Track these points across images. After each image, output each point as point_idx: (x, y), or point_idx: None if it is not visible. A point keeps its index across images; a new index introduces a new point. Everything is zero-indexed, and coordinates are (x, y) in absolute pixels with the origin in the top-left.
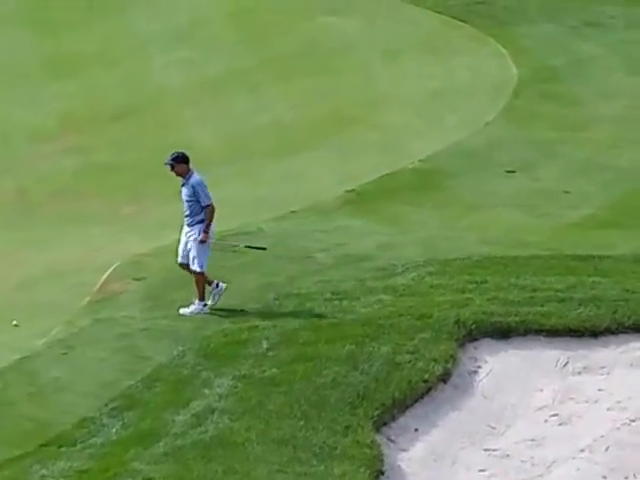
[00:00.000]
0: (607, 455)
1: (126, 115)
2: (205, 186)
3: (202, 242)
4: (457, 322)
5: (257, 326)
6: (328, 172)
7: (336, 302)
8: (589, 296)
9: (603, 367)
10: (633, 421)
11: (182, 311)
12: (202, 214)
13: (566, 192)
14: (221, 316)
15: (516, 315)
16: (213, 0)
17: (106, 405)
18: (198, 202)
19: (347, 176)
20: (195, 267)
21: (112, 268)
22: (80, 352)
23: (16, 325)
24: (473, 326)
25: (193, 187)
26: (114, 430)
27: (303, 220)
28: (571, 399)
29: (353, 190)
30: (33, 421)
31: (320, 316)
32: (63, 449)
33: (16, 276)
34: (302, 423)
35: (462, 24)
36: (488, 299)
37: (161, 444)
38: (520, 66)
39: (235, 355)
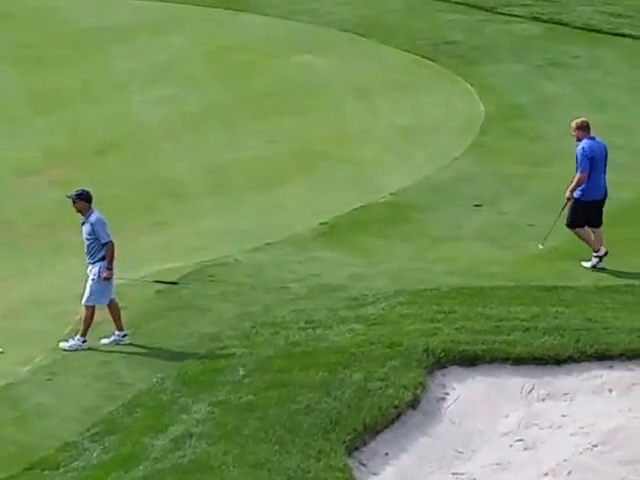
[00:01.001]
0: (570, 479)
1: (108, 150)
2: (104, 224)
3: (106, 279)
4: (426, 350)
5: (234, 353)
6: (302, 205)
7: (310, 330)
8: (553, 325)
9: (566, 394)
10: (595, 446)
11: (62, 345)
12: (102, 251)
13: (530, 225)
14: (199, 344)
15: (483, 344)
16: (191, 39)
17: (88, 430)
18: (97, 240)
19: (320, 209)
20: (84, 301)
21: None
22: (63, 379)
23: (1, 352)
24: (441, 354)
25: (92, 225)
26: (95, 454)
27: (278, 251)
28: (535, 425)
29: (326, 223)
30: (17, 445)
31: (294, 344)
32: (46, 472)
33: (1, 305)
34: (277, 447)
35: (431, 63)
36: (456, 328)
37: (141, 468)
38: (487, 104)
39: (212, 382)
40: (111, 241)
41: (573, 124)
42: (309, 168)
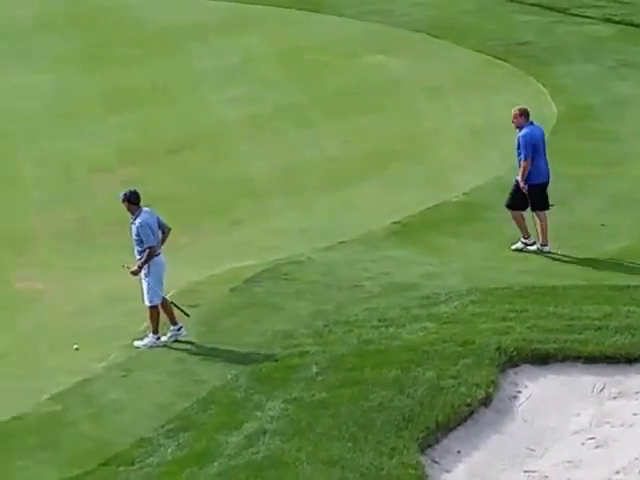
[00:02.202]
0: None
1: (181, 149)
2: (148, 228)
3: (133, 274)
4: (498, 349)
5: (307, 351)
6: (375, 204)
7: (383, 329)
8: (624, 324)
9: (638, 392)
10: None
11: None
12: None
13: (602, 225)
14: (273, 341)
15: (555, 342)
16: (265, 39)
17: (163, 426)
18: (142, 242)
19: (393, 208)
20: (145, 302)
21: (168, 296)
22: (138, 375)
23: (77, 349)
24: (514, 352)
25: (136, 227)
26: (170, 450)
27: (351, 250)
28: (607, 423)
29: (399, 222)
30: (93, 441)
31: (367, 342)
32: (121, 468)
33: (76, 302)
34: (350, 445)
35: (503, 63)
36: (528, 327)
37: (215, 464)
38: (559, 104)
39: (286, 379)
40: (150, 246)
41: (513, 112)
42: (382, 167)
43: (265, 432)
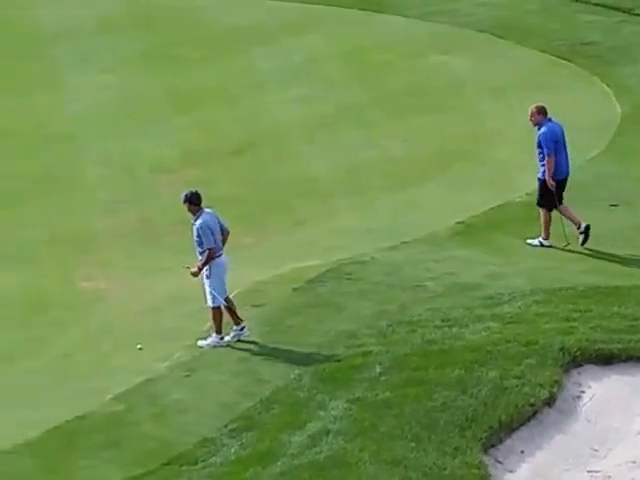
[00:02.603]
0: None
1: (245, 149)
2: (208, 229)
3: (192, 274)
4: (562, 349)
5: (370, 351)
6: (438, 205)
7: (446, 329)
8: None
9: None
10: None
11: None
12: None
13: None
14: (336, 341)
15: (618, 342)
16: (328, 40)
17: (226, 426)
18: (203, 243)
19: (457, 208)
20: (208, 303)
21: (232, 295)
22: (201, 375)
23: (140, 349)
24: (577, 353)
25: (197, 229)
26: (233, 450)
27: (414, 250)
28: None
29: (462, 222)
30: (156, 440)
31: (431, 342)
32: (184, 468)
33: (140, 302)
34: (413, 444)
35: (567, 63)
36: (591, 327)
37: (278, 464)
38: (624, 104)
39: (349, 379)
40: (210, 247)
41: (530, 109)
42: (445, 168)
43: (328, 432)
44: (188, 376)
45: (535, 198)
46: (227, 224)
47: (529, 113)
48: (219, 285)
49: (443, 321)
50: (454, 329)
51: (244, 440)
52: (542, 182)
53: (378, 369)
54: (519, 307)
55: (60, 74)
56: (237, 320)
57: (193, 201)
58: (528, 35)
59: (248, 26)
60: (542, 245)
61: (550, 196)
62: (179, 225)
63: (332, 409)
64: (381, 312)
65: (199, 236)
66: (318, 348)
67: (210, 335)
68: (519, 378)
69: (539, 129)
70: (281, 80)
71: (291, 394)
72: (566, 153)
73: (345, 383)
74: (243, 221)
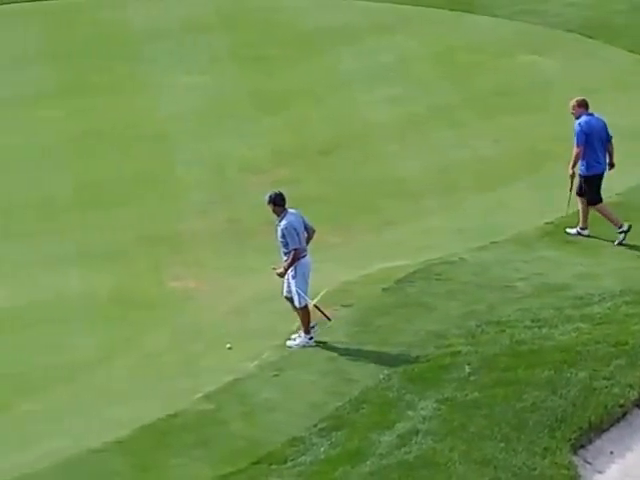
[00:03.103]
0: None
1: (333, 149)
2: (293, 230)
3: (279, 275)
4: None
5: (459, 351)
6: (527, 205)
7: (535, 329)
8: None
9: None
10: None
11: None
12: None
13: None
14: (425, 341)
15: None
16: (417, 40)
17: (315, 425)
18: (288, 244)
19: (546, 209)
20: (296, 303)
21: (320, 295)
22: (290, 374)
23: (230, 348)
24: None
25: (281, 230)
26: (322, 449)
27: (503, 250)
28: None
29: (552, 222)
30: (245, 440)
31: (520, 342)
32: (274, 467)
33: (229, 302)
34: (503, 445)
35: None
36: None
37: (367, 463)
38: None
39: (438, 379)
40: (296, 248)
41: (571, 102)
42: (535, 168)
43: (417, 432)
44: (277, 375)
45: (626, 198)
46: (312, 223)
47: (570, 106)
48: (304, 285)
49: (532, 321)
50: (543, 329)
51: (333, 439)
52: (584, 177)
53: (467, 369)
54: (608, 308)
55: (151, 75)
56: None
57: (277, 202)
58: (617, 35)
59: (336, 26)
60: (580, 234)
61: (592, 190)
62: (268, 225)
63: (421, 409)
64: (470, 312)
65: (284, 237)
66: (407, 348)
67: (299, 335)
68: (608, 379)
69: (576, 122)
70: (370, 80)
71: (380, 394)
72: (603, 150)
73: (434, 383)
74: (331, 221)
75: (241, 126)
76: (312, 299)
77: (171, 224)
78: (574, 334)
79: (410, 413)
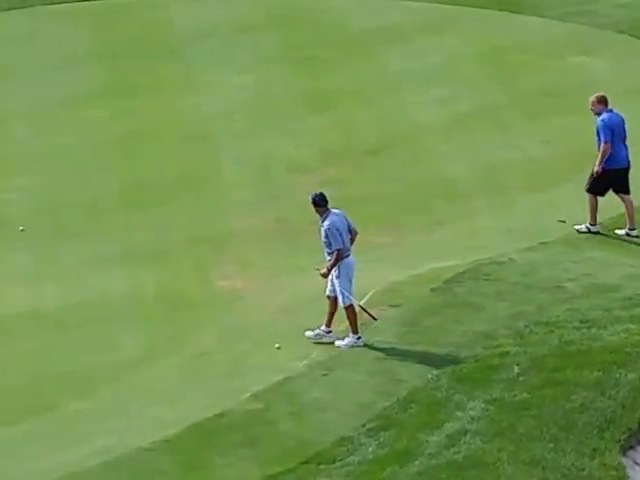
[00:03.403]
0: None
1: (381, 149)
2: (335, 230)
3: (323, 276)
4: None
5: (508, 352)
6: (576, 205)
7: (584, 330)
8: None
9: None
10: None
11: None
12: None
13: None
14: (474, 342)
15: None
16: (465, 40)
17: (363, 425)
18: (331, 244)
19: None
20: (340, 303)
21: (369, 295)
22: (339, 374)
23: (279, 348)
24: None
25: (324, 230)
26: (371, 449)
27: (552, 251)
28: None
29: (600, 222)
30: (294, 439)
31: (569, 343)
32: (322, 466)
33: (277, 301)
34: (551, 445)
35: None
36: None
37: (416, 463)
38: None
39: (487, 379)
40: (339, 249)
41: (591, 99)
42: (584, 169)
43: (466, 432)
44: (326, 375)
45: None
46: (355, 225)
47: (590, 102)
48: (348, 285)
49: (581, 322)
50: (592, 330)
51: (382, 439)
52: (606, 170)
53: (516, 370)
54: None
55: (198, 74)
56: (329, 323)
57: (317, 203)
58: None
59: (384, 27)
60: (590, 231)
61: (600, 183)
62: (315, 225)
63: (470, 409)
64: (519, 313)
65: (327, 237)
66: (455, 348)
67: (347, 335)
68: None
69: (599, 117)
70: (417, 80)
71: (429, 394)
72: (625, 144)
73: (483, 383)
74: (379, 221)
75: (288, 126)
76: (359, 299)
77: (217, 224)
78: (623, 335)
79: (459, 413)
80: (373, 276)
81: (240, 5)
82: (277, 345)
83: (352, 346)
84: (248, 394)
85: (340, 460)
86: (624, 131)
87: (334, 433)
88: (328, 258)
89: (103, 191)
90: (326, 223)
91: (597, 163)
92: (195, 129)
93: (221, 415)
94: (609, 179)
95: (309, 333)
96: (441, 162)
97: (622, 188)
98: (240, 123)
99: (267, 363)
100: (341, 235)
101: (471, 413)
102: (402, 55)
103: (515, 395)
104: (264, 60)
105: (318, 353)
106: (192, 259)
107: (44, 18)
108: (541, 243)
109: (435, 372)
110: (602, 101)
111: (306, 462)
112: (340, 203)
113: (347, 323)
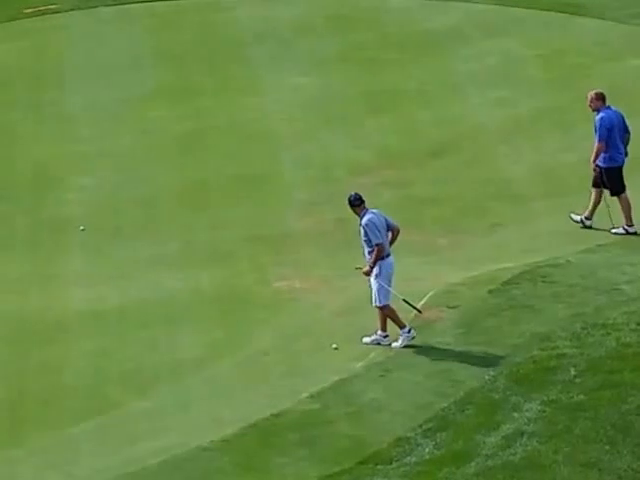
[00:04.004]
0: None
1: (443, 151)
2: (374, 226)
3: (365, 274)
4: None
5: (565, 354)
6: (636, 208)
7: None
8: None
9: None
10: None
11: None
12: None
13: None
14: (531, 343)
15: None
16: (526, 42)
17: (420, 426)
18: (370, 241)
19: None
20: (374, 302)
21: (427, 297)
22: (396, 375)
23: (336, 348)
24: None
25: (363, 227)
26: (427, 450)
27: (610, 253)
28: None
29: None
30: (351, 439)
31: (626, 345)
32: (379, 467)
33: (338, 302)
34: (607, 447)
35: None
36: None
37: (472, 464)
38: None
39: (543, 381)
40: (379, 243)
41: (590, 95)
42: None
43: (522, 433)
44: (383, 376)
45: None
46: (397, 223)
47: (588, 98)
48: (384, 287)
49: (638, 325)
50: None
51: (438, 440)
52: (604, 169)
53: (573, 372)
54: None
55: (259, 75)
56: (384, 327)
57: (354, 202)
58: None
59: (445, 28)
60: (583, 223)
61: (616, 182)
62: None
63: (526, 411)
64: (576, 315)
65: (366, 234)
66: (512, 350)
67: (400, 335)
68: None
69: (597, 114)
70: (479, 82)
71: (485, 395)
72: (623, 142)
73: (539, 385)
74: (439, 222)
75: (349, 127)
76: (417, 302)
77: (277, 224)
78: None
79: (515, 415)
80: (431, 277)
81: (300, 6)
82: (334, 346)
83: (408, 341)
84: (305, 394)
85: (397, 460)
86: (625, 127)
87: (391, 433)
88: (368, 257)
89: (164, 191)
90: (364, 220)
91: (592, 162)
92: (256, 129)
93: (279, 415)
94: (618, 175)
95: (366, 339)
96: (501, 164)
97: (617, 187)
98: (301, 124)
99: (324, 364)
100: (379, 231)
101: (527, 414)
102: (464, 56)
103: (572, 397)
104: (325, 61)
105: (375, 354)
106: (251, 259)
107: (107, 19)
108: (599, 245)
109: (492, 373)
110: (600, 98)
111: (363, 462)
112: (400, 204)
113: (377, 324)
